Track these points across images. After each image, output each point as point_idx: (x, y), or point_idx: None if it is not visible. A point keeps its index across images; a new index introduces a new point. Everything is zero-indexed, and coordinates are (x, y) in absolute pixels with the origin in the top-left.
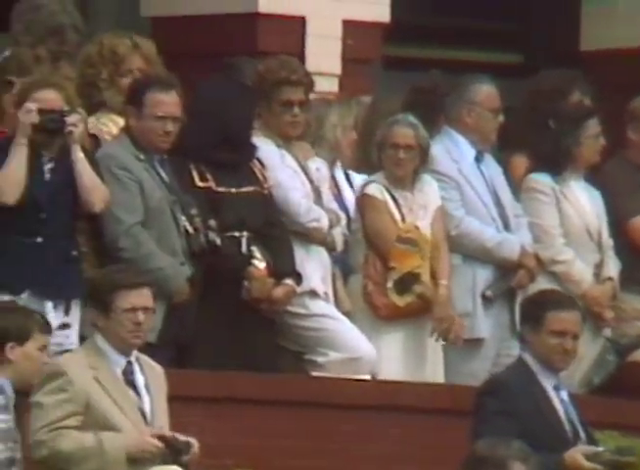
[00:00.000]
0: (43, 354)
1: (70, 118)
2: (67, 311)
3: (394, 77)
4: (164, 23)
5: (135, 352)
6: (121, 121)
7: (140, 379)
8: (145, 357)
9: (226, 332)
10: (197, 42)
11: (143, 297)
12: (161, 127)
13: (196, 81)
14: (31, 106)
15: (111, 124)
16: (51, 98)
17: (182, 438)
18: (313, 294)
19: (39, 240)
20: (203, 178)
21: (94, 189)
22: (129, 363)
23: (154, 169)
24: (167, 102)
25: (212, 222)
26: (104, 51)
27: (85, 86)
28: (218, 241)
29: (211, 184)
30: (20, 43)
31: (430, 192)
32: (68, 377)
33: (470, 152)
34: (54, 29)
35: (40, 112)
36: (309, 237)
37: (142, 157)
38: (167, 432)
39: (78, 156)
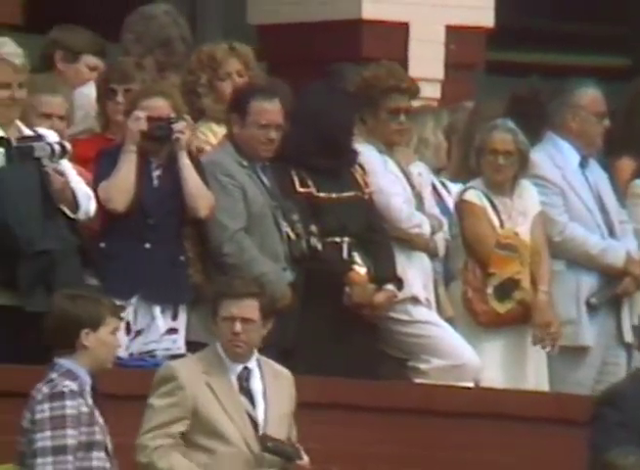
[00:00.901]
0: (116, 338)
1: (177, 126)
2: (174, 317)
3: (497, 82)
4: (270, 30)
5: (258, 358)
6: (219, 130)
7: (257, 386)
8: (272, 363)
9: (328, 337)
10: (301, 49)
11: (244, 308)
12: (265, 135)
13: (300, 88)
14: (140, 113)
15: (209, 134)
16: (159, 106)
17: (292, 443)
18: (415, 300)
19: (147, 246)
20: (303, 184)
21: (199, 195)
22: (246, 369)
23: (256, 176)
24: (271, 110)
25: (314, 228)
26: (202, 57)
27: (186, 94)
28: (319, 246)
29: (312, 190)
30: (129, 53)
31: (529, 198)
32: (178, 382)
33: (574, 157)
34: (163, 41)
35: (149, 119)
36: (411, 243)
37: (245, 163)
38: (276, 437)
39: (185, 162)
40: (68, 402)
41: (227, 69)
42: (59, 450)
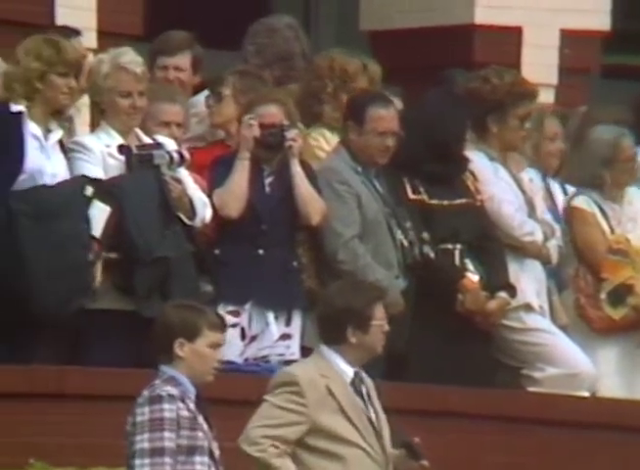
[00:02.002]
0: (215, 352)
1: (290, 133)
2: (288, 322)
3: (613, 86)
4: (382, 36)
5: None
6: (332, 137)
7: (364, 389)
8: None
9: (440, 345)
10: (413, 55)
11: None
12: (382, 143)
13: (412, 94)
14: (252, 121)
15: (321, 139)
16: (272, 113)
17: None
18: (528, 308)
19: (260, 252)
20: (416, 191)
21: (311, 202)
22: (356, 374)
23: (370, 182)
24: (387, 117)
25: (426, 235)
26: (334, 66)
27: (307, 96)
28: (432, 254)
29: (424, 197)
30: (248, 64)
31: (638, 204)
32: (299, 387)
33: None
34: (284, 55)
35: (261, 126)
36: (523, 250)
37: (359, 170)
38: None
39: (297, 170)
40: (167, 406)
41: (355, 85)
42: (156, 452)
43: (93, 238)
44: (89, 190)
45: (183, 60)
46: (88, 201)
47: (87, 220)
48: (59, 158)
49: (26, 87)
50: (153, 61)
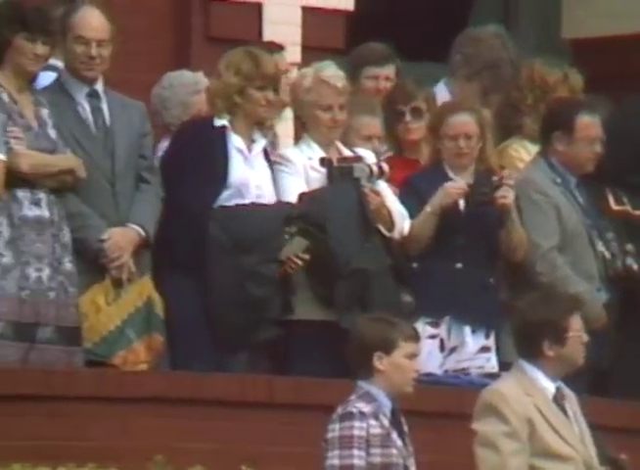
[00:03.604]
0: (412, 363)
1: (501, 191)
2: (487, 335)
3: None
4: (584, 44)
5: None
6: (533, 149)
7: (567, 405)
8: None
9: None
10: (616, 63)
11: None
12: (591, 150)
13: (616, 103)
14: (456, 190)
15: (522, 151)
16: (464, 121)
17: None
18: None
19: (459, 266)
20: (618, 202)
21: (520, 241)
22: (558, 389)
23: (570, 193)
24: (596, 124)
25: (629, 247)
26: (534, 76)
27: (507, 108)
28: (635, 266)
29: (628, 207)
30: (455, 74)
31: None
32: (510, 408)
33: None
34: (491, 64)
35: (469, 187)
36: None
37: (558, 181)
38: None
39: (515, 227)
40: (357, 423)
41: (557, 95)
42: None
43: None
44: (292, 228)
45: (391, 70)
46: (290, 237)
47: (279, 259)
48: (263, 166)
49: (227, 102)
50: (356, 72)
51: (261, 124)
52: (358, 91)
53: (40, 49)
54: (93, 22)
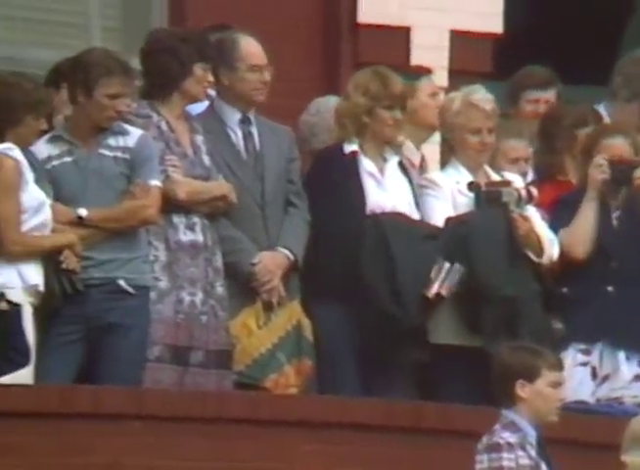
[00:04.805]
0: (557, 391)
1: (637, 172)
2: None
3: None
4: None
5: None
6: None
7: None
8: None
9: None
10: None
11: None
12: None
13: None
14: (602, 161)
15: None
16: (618, 145)
17: None
18: None
19: (610, 289)
20: None
21: None
22: None
23: None
24: None
25: None
26: None
27: None
28: None
29: None
30: (616, 96)
31: None
32: None
33: None
34: None
35: (610, 163)
36: None
37: None
38: None
39: None
40: (505, 455)
41: None
42: None
43: None
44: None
45: (552, 94)
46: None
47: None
48: (399, 184)
49: (356, 122)
50: (517, 95)
51: (390, 144)
52: (517, 114)
53: (210, 77)
54: (259, 50)
